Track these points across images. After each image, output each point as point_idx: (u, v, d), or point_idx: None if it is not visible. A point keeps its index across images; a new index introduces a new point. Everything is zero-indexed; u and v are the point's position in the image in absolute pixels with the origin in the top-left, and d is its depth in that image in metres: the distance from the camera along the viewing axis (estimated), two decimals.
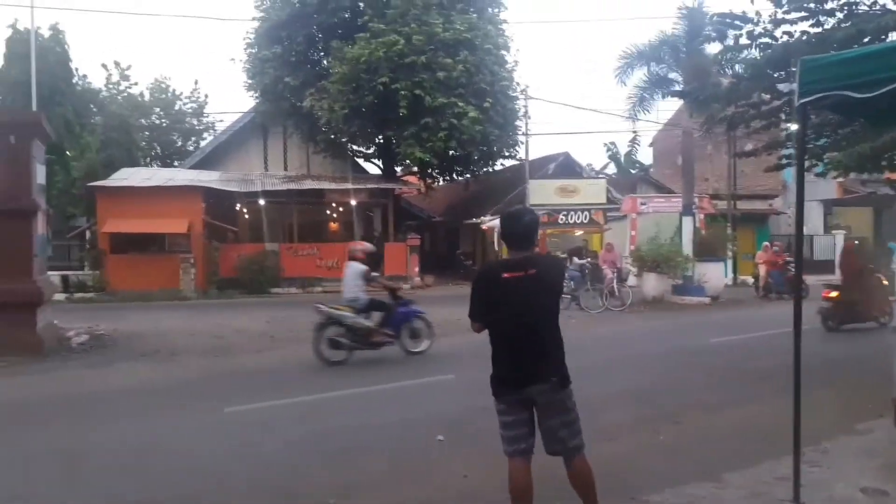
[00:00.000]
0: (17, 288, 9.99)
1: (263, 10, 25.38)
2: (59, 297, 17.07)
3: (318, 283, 22.04)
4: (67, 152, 26.12)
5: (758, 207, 27.94)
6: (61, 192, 26.05)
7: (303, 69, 24.97)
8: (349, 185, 23.68)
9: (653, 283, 17.45)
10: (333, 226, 27.84)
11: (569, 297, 16.51)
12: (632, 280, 18.66)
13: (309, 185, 24.07)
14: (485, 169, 26.66)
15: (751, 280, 20.59)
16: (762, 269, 18.88)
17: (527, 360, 3.40)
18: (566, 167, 28.05)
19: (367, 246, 11.01)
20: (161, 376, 8.91)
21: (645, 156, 42.48)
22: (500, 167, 28.13)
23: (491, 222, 6.33)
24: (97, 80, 34.96)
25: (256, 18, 25.59)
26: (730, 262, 22.42)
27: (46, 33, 27.68)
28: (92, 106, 30.68)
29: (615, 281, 16.28)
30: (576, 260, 17.21)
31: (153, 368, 9.40)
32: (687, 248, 18.29)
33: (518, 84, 24.98)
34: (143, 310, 16.78)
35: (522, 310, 3.39)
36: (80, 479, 4.96)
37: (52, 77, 24.75)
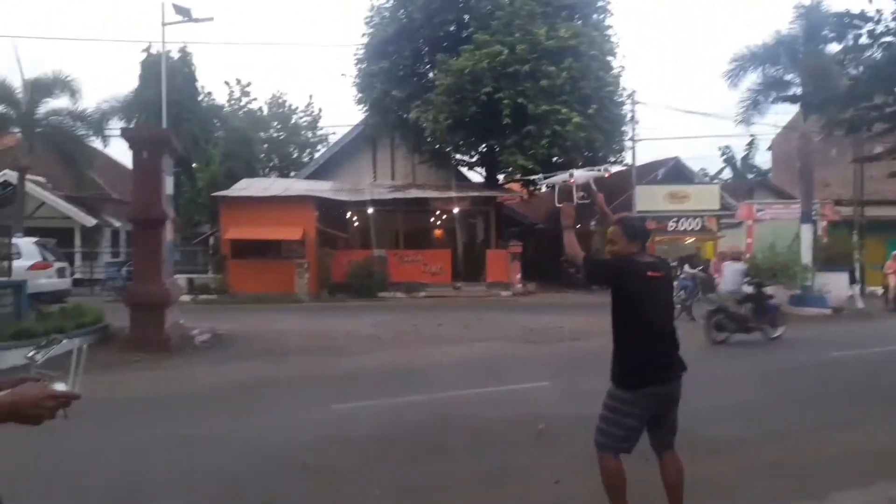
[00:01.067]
0: (149, 290, 10.96)
1: (372, 27, 26.31)
2: (186, 298, 18.44)
3: (423, 287, 22.54)
4: (194, 164, 28.17)
5: (889, 214, 25.87)
6: (188, 201, 28.14)
7: (409, 82, 25.66)
8: (452, 194, 24.08)
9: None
10: (438, 233, 28.37)
11: (678, 306, 16.02)
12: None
13: (414, 193, 24.69)
14: None
15: (880, 291, 19.14)
16: (892, 280, 17.51)
17: (669, 357, 3.60)
18: (676, 172, 27.19)
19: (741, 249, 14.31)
20: (274, 374, 9.47)
21: (763, 160, 40.38)
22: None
23: (553, 178, 5.75)
24: (220, 97, 37.38)
25: (365, 34, 26.59)
26: (857, 273, 20.91)
27: (176, 55, 30.02)
28: (216, 121, 32.87)
29: None
30: (687, 268, 16.58)
31: (267, 366, 10.00)
32: (806, 256, 17.26)
33: (624, 89, 24.59)
34: (260, 311, 17.82)
35: (665, 308, 3.66)
36: (200, 467, 5.42)
37: (180, 95, 26.81)
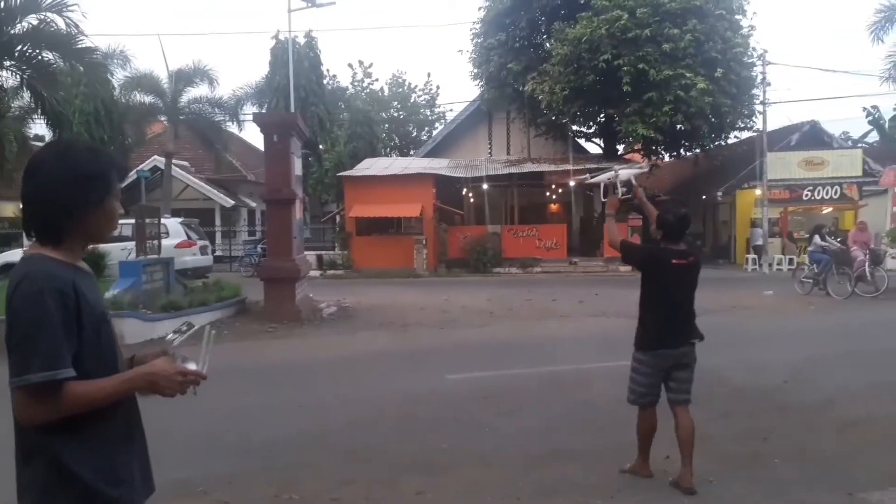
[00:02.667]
0: (281, 265, 11.81)
1: (489, 0, 26.25)
2: (315, 273, 19.57)
3: (538, 263, 22.53)
4: (321, 146, 29.57)
5: None
6: (317, 181, 29.66)
7: (526, 53, 25.45)
8: (569, 167, 23.75)
9: None
10: (553, 207, 28.14)
11: (811, 281, 15.08)
12: (891, 263, 16.41)
13: (529, 167, 24.59)
14: (716, 143, 24.97)
15: None
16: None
17: (682, 327, 4.33)
18: (813, 137, 25.25)
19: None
20: (395, 344, 9.97)
21: None
22: (735, 140, 26.17)
23: (598, 177, 6.02)
24: (344, 80, 38.76)
25: (482, 8, 26.58)
26: None
27: (302, 41, 31.45)
28: (340, 103, 34.21)
29: (866, 264, 14.45)
30: (817, 240, 15.49)
31: (389, 337, 10.53)
32: None
33: (755, 49, 23.05)
34: (382, 286, 18.59)
35: (685, 290, 4.35)
36: (326, 427, 5.91)
37: (307, 80, 28.10)
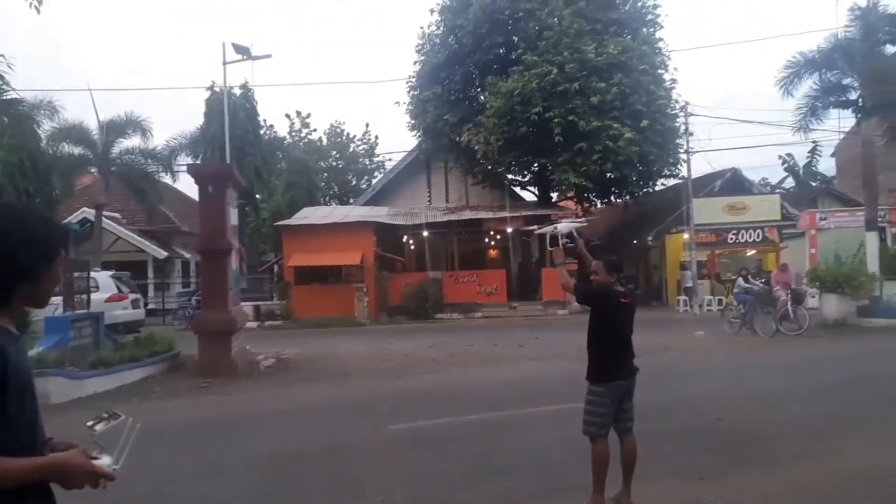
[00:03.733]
0: (216, 317, 11.54)
1: (423, 55, 26.96)
2: (252, 324, 19.14)
3: (479, 308, 22.72)
4: (258, 196, 29.28)
5: None
6: (253, 231, 29.26)
7: (461, 106, 26.11)
8: (506, 214, 24.28)
9: (834, 305, 16.04)
10: (493, 253, 28.55)
11: (738, 321, 15.71)
12: (811, 302, 17.30)
13: (468, 215, 25.00)
14: (644, 190, 26.06)
15: None
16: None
17: (629, 360, 4.78)
18: (734, 184, 26.67)
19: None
20: (336, 395, 9.82)
21: (828, 166, 39.00)
22: (662, 187, 27.35)
23: (543, 229, 6.78)
24: (282, 129, 38.78)
25: (417, 62, 27.24)
26: None
27: (238, 92, 31.41)
28: (278, 153, 34.12)
29: (789, 303, 15.20)
30: (740, 282, 16.25)
31: (329, 388, 10.36)
32: (873, 265, 16.65)
33: (677, 101, 24.36)
34: (323, 335, 18.33)
35: (629, 325, 4.83)
36: (264, 483, 5.76)
37: (243, 130, 27.99)
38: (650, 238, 26.53)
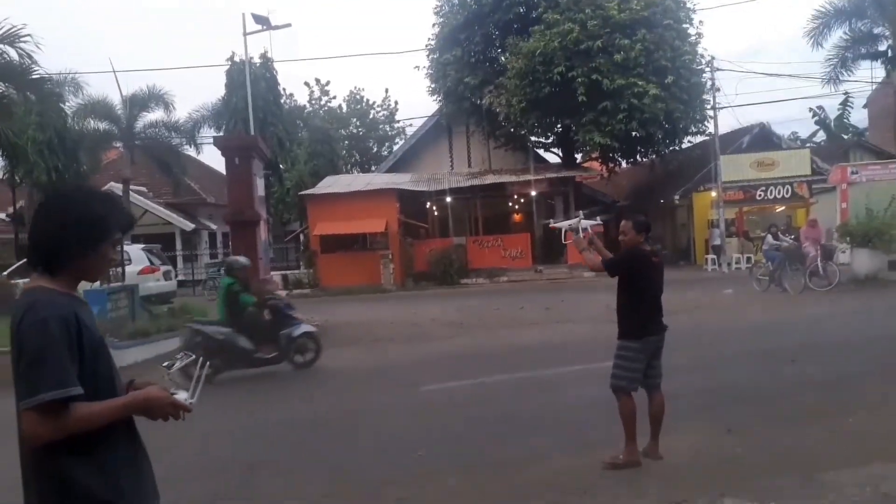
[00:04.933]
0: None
1: (442, 16, 26.61)
2: (281, 293, 19.40)
3: (504, 273, 22.77)
4: (281, 166, 29.47)
5: None
6: (278, 201, 29.52)
7: (481, 68, 25.84)
8: (529, 177, 24.12)
9: (865, 260, 15.76)
10: (516, 217, 28.48)
11: (767, 278, 15.57)
12: (842, 258, 17.04)
13: (491, 179, 24.90)
14: (671, 148, 25.68)
15: None
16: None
17: (660, 316, 4.91)
18: (763, 139, 26.12)
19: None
20: (367, 360, 10.02)
21: (860, 118, 37.90)
22: (689, 144, 26.92)
23: (558, 224, 6.87)
24: (302, 98, 38.72)
25: (436, 24, 26.90)
26: None
27: (258, 62, 31.38)
28: (299, 122, 34.17)
29: (818, 259, 15.01)
30: (770, 240, 16.04)
31: (360, 353, 10.57)
32: None
33: (703, 56, 23.83)
34: (350, 302, 18.58)
35: (660, 283, 4.96)
36: (301, 444, 5.95)
37: (264, 101, 28.03)
38: (677, 197, 26.23)
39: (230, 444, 6.01)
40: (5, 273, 18.31)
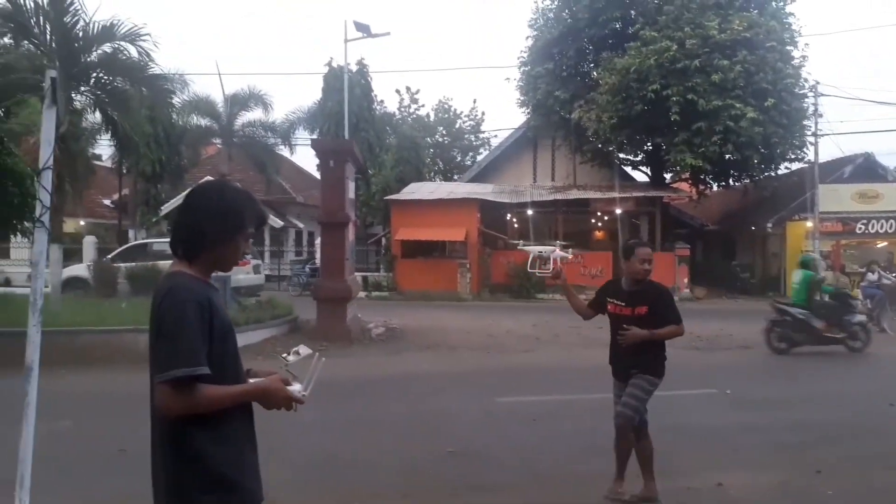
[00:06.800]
0: (335, 286, 12.14)
1: (536, 30, 26.64)
2: (361, 294, 19.90)
3: (582, 290, 22.27)
4: (369, 170, 30.23)
5: None
6: (362, 204, 30.21)
7: (573, 82, 25.67)
8: (615, 194, 23.75)
9: None
10: (598, 234, 28.07)
11: (865, 317, 14.74)
12: None
13: (575, 194, 24.67)
14: (766, 173, 24.69)
15: None
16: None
17: None
18: (867, 170, 24.77)
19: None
20: (444, 366, 10.15)
21: None
22: (785, 171, 25.80)
23: (527, 248, 6.50)
24: (391, 105, 39.57)
25: (530, 37, 26.96)
26: None
27: (354, 68, 32.32)
28: (388, 128, 34.93)
29: None
30: (870, 276, 15.20)
31: (436, 359, 10.72)
32: None
33: (806, 80, 22.87)
34: (427, 308, 18.81)
35: None
36: (380, 443, 6.11)
37: (358, 106, 28.83)
38: (770, 224, 25.17)
39: (308, 438, 6.21)
40: (108, 257, 19.58)
